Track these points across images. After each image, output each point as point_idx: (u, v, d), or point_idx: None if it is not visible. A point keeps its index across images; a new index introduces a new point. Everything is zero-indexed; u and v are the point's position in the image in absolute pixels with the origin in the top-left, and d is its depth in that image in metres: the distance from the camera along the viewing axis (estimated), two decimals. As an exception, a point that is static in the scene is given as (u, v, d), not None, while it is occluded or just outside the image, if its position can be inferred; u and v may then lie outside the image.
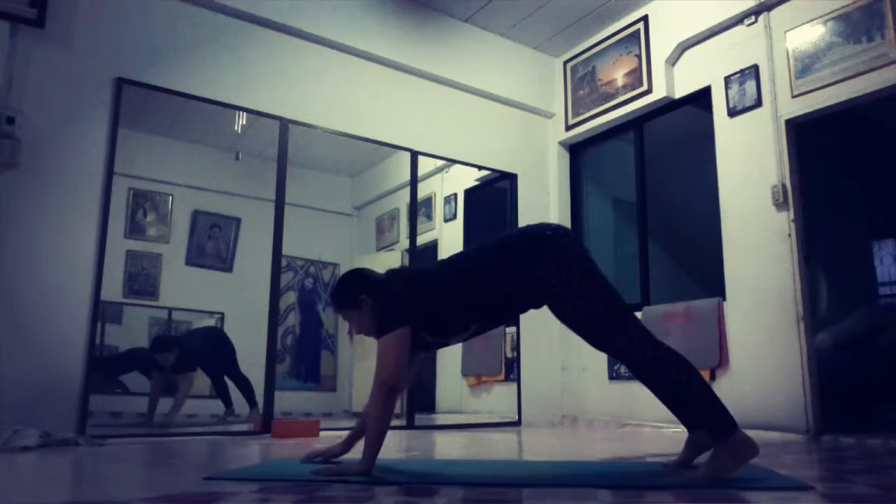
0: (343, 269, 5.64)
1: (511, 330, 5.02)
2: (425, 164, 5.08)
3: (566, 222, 5.28)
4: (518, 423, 4.79)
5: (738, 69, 4.11)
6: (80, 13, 3.47)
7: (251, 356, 4.26)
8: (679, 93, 4.53)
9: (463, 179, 5.67)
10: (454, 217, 5.80)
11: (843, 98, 3.57)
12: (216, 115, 4.34)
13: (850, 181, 5.54)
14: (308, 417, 4.76)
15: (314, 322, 6.14)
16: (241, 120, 4.50)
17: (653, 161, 4.85)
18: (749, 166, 3.98)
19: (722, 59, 4.23)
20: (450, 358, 5.61)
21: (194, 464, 2.35)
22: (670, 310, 4.31)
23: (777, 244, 3.77)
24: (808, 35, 3.76)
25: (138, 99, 3.81)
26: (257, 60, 4.07)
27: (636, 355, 1.87)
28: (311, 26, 4.25)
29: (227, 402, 4.91)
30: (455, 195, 5.80)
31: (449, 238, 5.79)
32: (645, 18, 4.72)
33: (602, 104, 5.00)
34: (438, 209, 5.94)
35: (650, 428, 4.21)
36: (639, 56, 4.74)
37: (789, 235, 3.72)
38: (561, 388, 5.02)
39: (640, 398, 4.17)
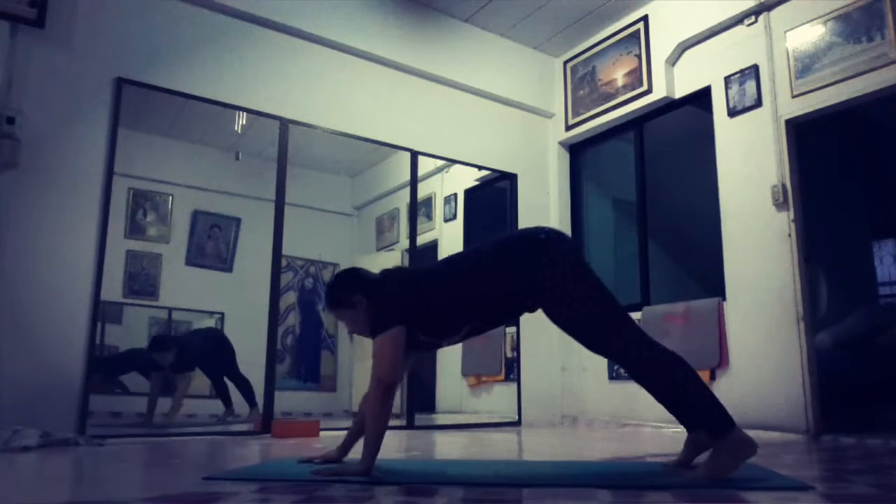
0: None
1: (511, 330, 5.02)
2: (425, 164, 5.08)
3: (566, 222, 5.29)
4: (518, 423, 4.79)
5: (738, 69, 4.11)
6: (80, 13, 3.47)
7: (251, 356, 4.26)
8: (679, 93, 4.53)
9: (463, 179, 5.67)
10: (454, 217, 5.80)
11: (843, 98, 3.57)
12: (216, 115, 4.34)
13: (850, 181, 5.54)
14: (308, 417, 4.77)
15: (314, 322, 6.15)
16: (241, 120, 4.50)
17: (653, 161, 4.85)
18: (749, 166, 3.98)
19: (722, 59, 4.23)
20: (450, 358, 5.60)
21: (194, 464, 2.35)
22: (670, 310, 4.31)
23: (777, 244, 3.77)
24: (808, 35, 3.76)
25: (138, 99, 3.82)
26: (257, 60, 4.07)
27: (632, 356, 1.87)
28: (311, 26, 4.25)
29: (227, 402, 4.91)
30: (455, 195, 5.80)
31: (449, 238, 5.79)
32: (645, 18, 4.72)
33: (602, 104, 5.00)
34: (438, 209, 5.94)
35: (650, 428, 4.21)
36: (639, 56, 4.74)
37: (789, 235, 3.72)
38: (561, 388, 5.02)
39: (640, 398, 4.16)
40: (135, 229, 5.09)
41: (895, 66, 3.36)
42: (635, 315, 4.43)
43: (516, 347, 4.95)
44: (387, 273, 2.06)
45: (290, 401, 5.49)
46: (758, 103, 3.97)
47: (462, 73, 4.92)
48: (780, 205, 3.78)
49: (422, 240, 5.27)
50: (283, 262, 4.85)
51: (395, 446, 3.00)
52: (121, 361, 4.84)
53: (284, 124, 4.15)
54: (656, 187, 4.84)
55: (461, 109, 4.97)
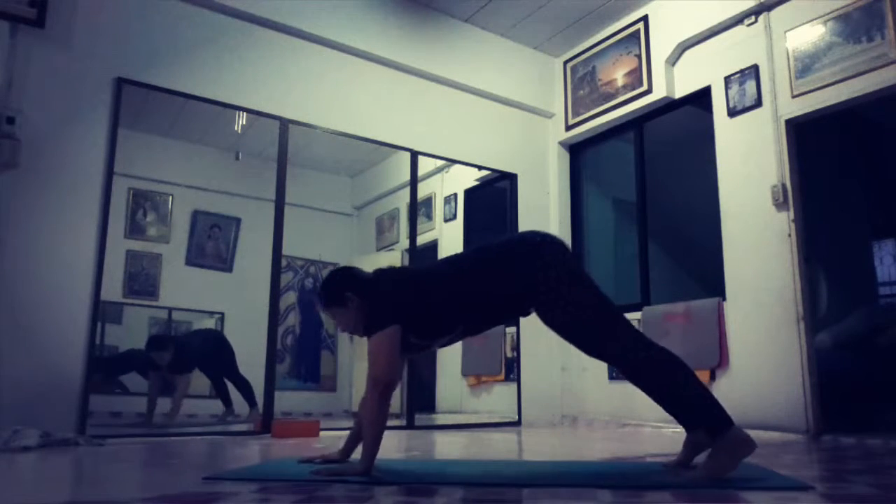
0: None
1: (511, 330, 5.02)
2: (425, 164, 5.08)
3: (566, 222, 5.29)
4: (518, 423, 4.79)
5: (738, 69, 4.11)
6: (80, 13, 3.47)
7: (251, 356, 4.26)
8: (679, 93, 4.53)
9: (463, 179, 5.67)
10: (454, 217, 5.80)
11: (843, 98, 3.57)
12: (216, 115, 4.34)
13: (850, 181, 5.54)
14: (308, 417, 4.77)
15: (314, 322, 6.15)
16: (241, 120, 4.50)
17: (653, 161, 4.85)
18: (749, 166, 3.98)
19: (722, 59, 4.23)
20: (450, 358, 5.60)
21: (194, 464, 2.35)
22: (670, 310, 4.31)
23: (777, 244, 3.77)
24: (808, 35, 3.76)
25: (138, 99, 3.82)
26: (257, 60, 4.07)
27: (628, 358, 1.87)
28: (311, 26, 4.25)
29: (227, 402, 4.91)
30: (455, 195, 5.80)
31: (449, 238, 5.79)
32: (645, 18, 4.72)
33: (602, 104, 5.00)
34: (438, 209, 5.94)
35: (650, 428, 4.21)
36: (639, 56, 4.74)
37: (789, 235, 3.72)
38: (561, 388, 5.02)
39: (639, 398, 4.12)
40: (135, 229, 5.09)
41: (895, 66, 3.37)
42: (635, 315, 4.43)
43: (516, 347, 4.95)
44: (380, 272, 2.05)
45: (290, 401, 5.49)
46: (758, 103, 3.97)
47: (462, 73, 4.92)
48: (780, 205, 3.78)
49: (422, 240, 5.27)
50: (283, 262, 4.85)
51: (394, 446, 3.00)
52: (120, 361, 4.84)
53: (284, 124, 4.15)
54: (656, 187, 4.84)
55: (461, 109, 4.97)
